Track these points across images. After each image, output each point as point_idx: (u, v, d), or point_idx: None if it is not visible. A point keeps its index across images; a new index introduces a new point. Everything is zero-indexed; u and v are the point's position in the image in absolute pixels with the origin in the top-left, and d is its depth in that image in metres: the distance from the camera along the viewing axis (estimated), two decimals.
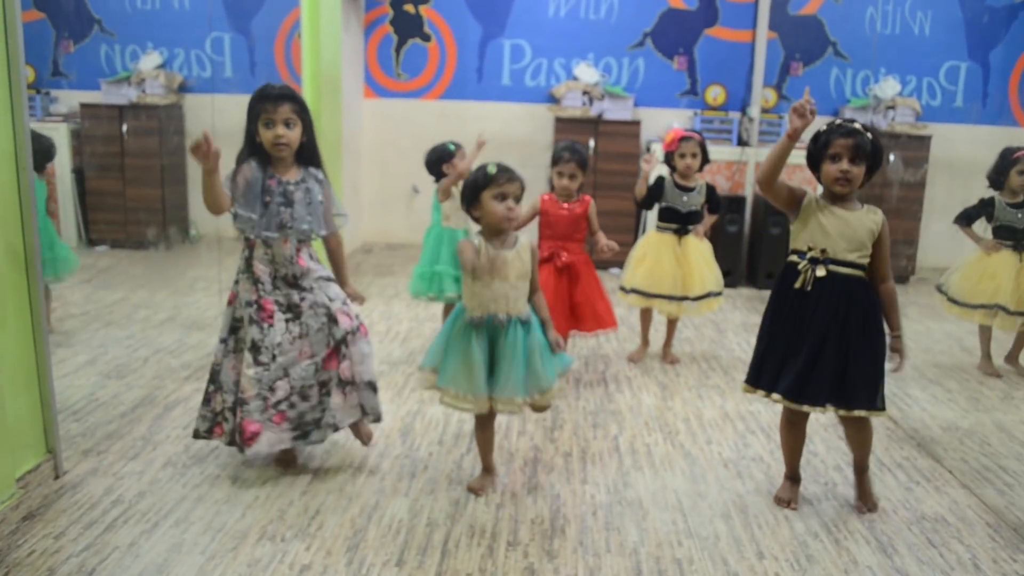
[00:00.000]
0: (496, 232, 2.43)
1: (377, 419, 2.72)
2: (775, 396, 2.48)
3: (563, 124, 6.11)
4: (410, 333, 4.30)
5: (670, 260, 3.88)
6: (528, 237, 2.51)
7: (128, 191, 6.33)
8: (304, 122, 2.57)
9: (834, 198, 2.43)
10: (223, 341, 2.65)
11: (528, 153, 6.44)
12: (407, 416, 3.19)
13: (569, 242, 3.50)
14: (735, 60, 6.35)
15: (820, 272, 2.40)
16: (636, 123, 6.10)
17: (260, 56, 6.55)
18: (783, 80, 6.38)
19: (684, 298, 3.88)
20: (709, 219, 4.02)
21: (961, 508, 2.62)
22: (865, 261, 2.42)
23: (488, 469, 2.62)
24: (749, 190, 6.02)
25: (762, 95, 6.18)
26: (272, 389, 2.55)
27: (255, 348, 2.58)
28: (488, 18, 6.39)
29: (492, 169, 2.39)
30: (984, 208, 3.97)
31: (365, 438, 2.82)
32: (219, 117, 6.00)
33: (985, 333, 4.09)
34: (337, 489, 2.57)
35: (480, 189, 2.40)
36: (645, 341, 4.09)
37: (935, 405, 3.58)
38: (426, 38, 6.44)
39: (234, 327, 2.63)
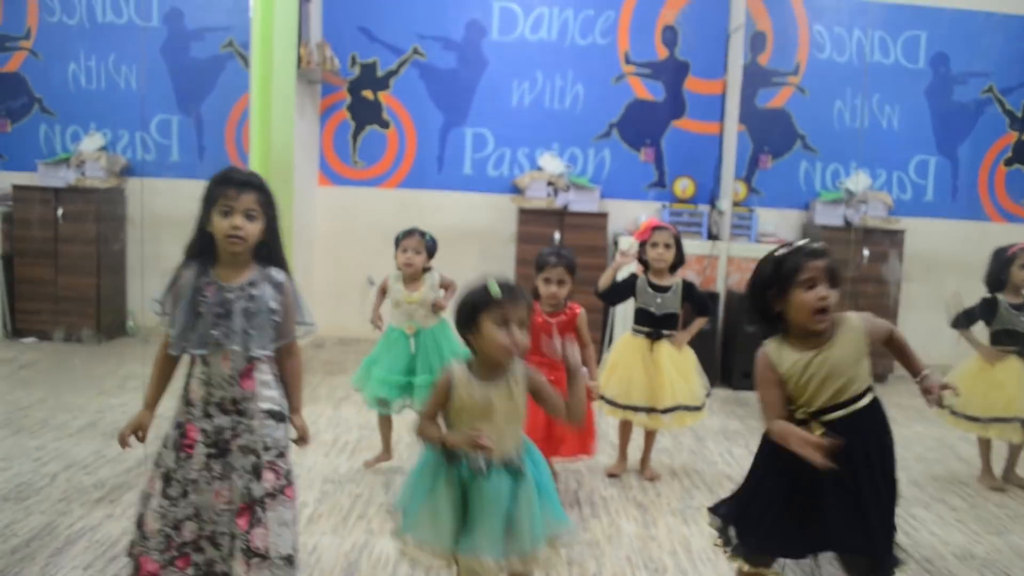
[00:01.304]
0: (492, 364, 2.00)
1: None
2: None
3: (527, 215, 5.84)
4: (359, 444, 3.86)
5: (639, 368, 3.53)
6: (523, 364, 2.05)
7: (60, 279, 5.87)
8: (268, 217, 2.16)
9: (804, 337, 2.05)
10: (156, 464, 2.20)
11: (489, 244, 6.16)
12: (352, 551, 2.74)
13: (551, 359, 3.00)
14: (703, 152, 6.20)
15: (817, 432, 2.01)
16: (603, 215, 5.86)
17: (209, 140, 6.23)
18: (752, 173, 6.23)
19: (653, 410, 3.52)
20: (697, 323, 3.63)
21: None
22: (865, 386, 2.05)
23: None
24: (721, 285, 5.77)
25: (732, 188, 6.00)
26: (177, 528, 2.12)
27: (166, 478, 2.15)
28: (449, 106, 6.18)
29: (495, 289, 1.95)
30: (987, 310, 3.69)
31: None
32: (163, 201, 5.64)
33: (985, 444, 3.79)
34: None
35: (479, 311, 1.97)
36: (623, 454, 3.70)
37: (943, 528, 3.23)
38: (385, 125, 6.19)
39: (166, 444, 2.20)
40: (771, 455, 2.09)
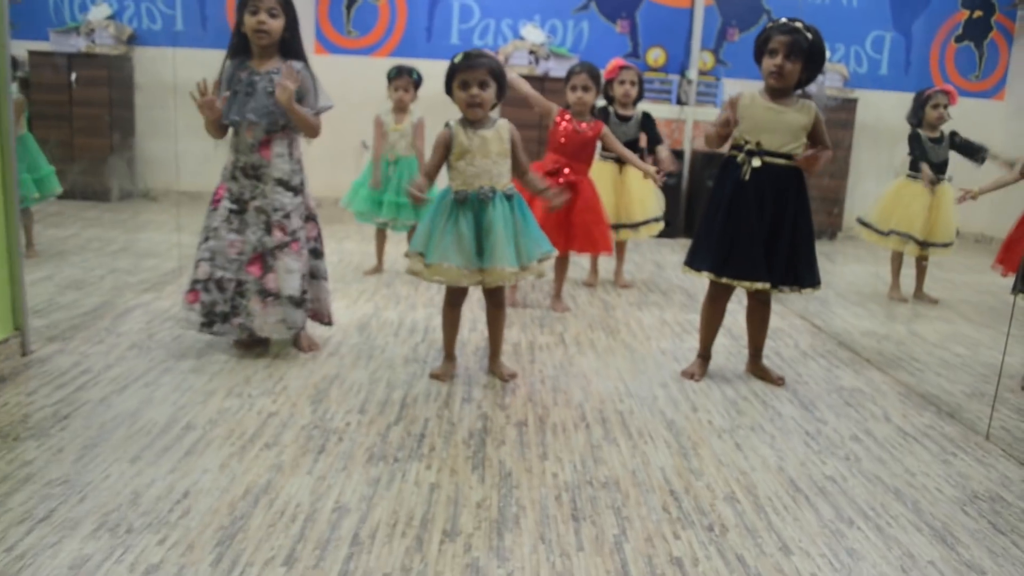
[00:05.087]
0: (471, 118, 2.51)
1: (293, 329, 2.75)
2: (704, 273, 2.70)
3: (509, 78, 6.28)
4: (362, 262, 4.44)
5: (608, 189, 4.08)
6: (506, 120, 2.56)
7: (76, 141, 6.31)
8: (288, 16, 2.67)
9: (772, 94, 2.63)
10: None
11: None
12: (363, 317, 3.34)
13: (576, 162, 3.57)
14: (675, 25, 6.61)
15: (756, 163, 2.61)
16: None
17: (211, 10, 6.59)
18: (720, 45, 6.67)
19: (620, 225, 4.10)
20: (666, 157, 4.03)
21: (875, 383, 2.89)
22: (799, 151, 2.63)
23: (450, 356, 2.72)
24: (687, 146, 6.29)
25: (700, 58, 6.45)
26: (196, 266, 2.71)
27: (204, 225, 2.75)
28: None
29: (457, 58, 2.50)
30: (914, 144, 4.28)
31: (305, 347, 2.86)
32: (169, 70, 6.03)
33: (896, 262, 4.41)
34: (299, 364, 2.71)
35: (450, 79, 2.50)
36: (594, 268, 4.30)
37: (857, 318, 3.87)
38: None
39: None
40: (714, 195, 2.71)
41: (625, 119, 4.08)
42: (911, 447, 2.32)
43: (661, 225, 4.23)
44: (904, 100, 6.80)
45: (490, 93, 2.48)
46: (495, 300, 2.68)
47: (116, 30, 6.39)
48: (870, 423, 2.48)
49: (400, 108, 4.09)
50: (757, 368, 2.86)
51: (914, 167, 4.27)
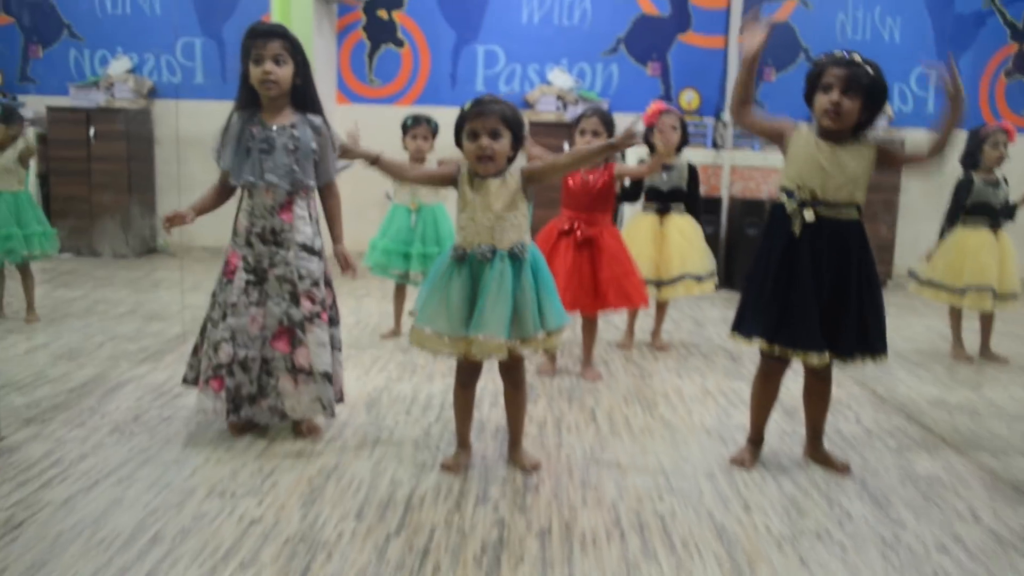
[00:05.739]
0: (479, 170, 2.21)
1: (331, 414, 2.50)
2: (756, 340, 2.35)
3: (536, 128, 6.01)
4: (379, 324, 4.15)
5: (649, 243, 3.77)
6: (519, 163, 2.27)
7: (94, 196, 6.16)
8: (297, 62, 2.42)
9: (826, 134, 2.29)
10: (213, 295, 2.50)
11: None
12: (373, 391, 3.04)
13: (592, 213, 3.26)
14: (708, 65, 6.35)
15: (809, 216, 2.27)
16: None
17: (232, 62, 6.45)
18: (756, 85, 6.37)
19: (660, 282, 3.78)
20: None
21: (955, 468, 2.50)
22: (860, 199, 2.29)
23: (464, 444, 2.38)
24: (725, 192, 5.97)
25: None
26: (216, 349, 2.40)
27: (212, 301, 2.45)
28: (461, 24, 6.36)
29: (467, 105, 2.19)
30: (963, 191, 3.92)
31: (307, 432, 2.55)
32: (187, 123, 5.87)
33: (955, 317, 4.02)
34: (295, 453, 2.41)
35: (459, 129, 2.21)
36: (630, 329, 3.96)
37: (922, 384, 3.48)
38: (399, 43, 6.39)
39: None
40: (764, 249, 2.35)
41: (666, 168, 3.78)
42: (1010, 558, 1.94)
43: (706, 286, 3.84)
44: (954, 139, 6.46)
45: (503, 144, 2.18)
46: (511, 378, 2.35)
47: (136, 84, 6.28)
48: (957, 525, 2.11)
49: (418, 158, 3.83)
50: (818, 453, 2.49)
51: (974, 212, 3.89)
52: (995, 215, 3.88)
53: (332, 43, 6.35)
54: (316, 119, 2.48)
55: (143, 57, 6.48)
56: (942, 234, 3.99)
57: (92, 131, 6.11)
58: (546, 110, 6.11)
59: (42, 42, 6.53)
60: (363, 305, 4.66)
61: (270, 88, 2.38)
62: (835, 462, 2.45)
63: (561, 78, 6.23)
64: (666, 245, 3.77)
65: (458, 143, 2.24)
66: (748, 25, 2.23)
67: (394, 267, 3.80)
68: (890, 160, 2.32)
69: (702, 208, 4.06)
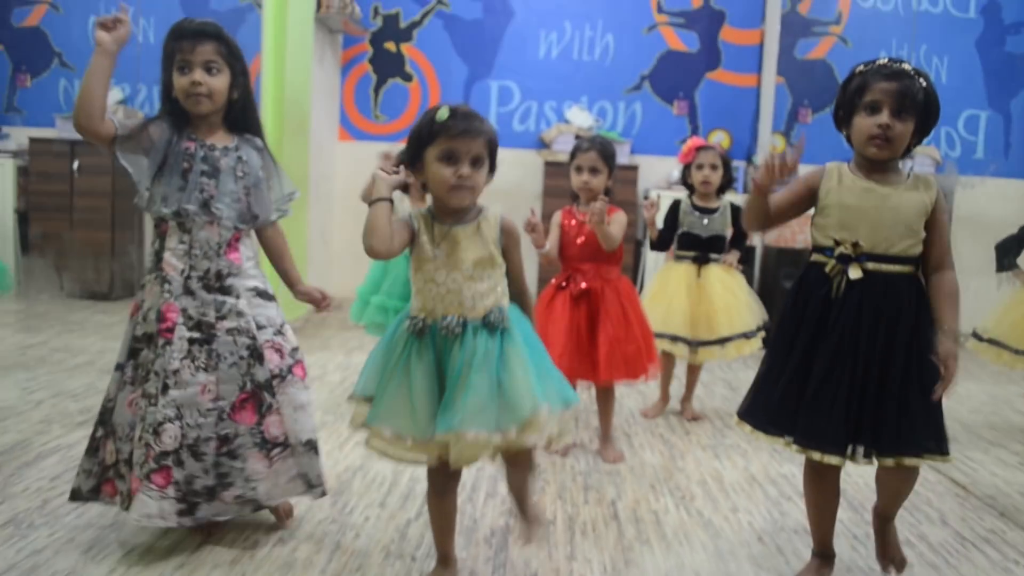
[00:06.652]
0: (447, 209, 1.68)
1: (323, 492, 2.02)
2: (761, 435, 1.81)
3: (553, 169, 5.57)
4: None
5: (682, 295, 3.23)
6: (498, 209, 1.73)
7: (76, 233, 5.73)
8: (234, 71, 1.93)
9: (870, 167, 1.78)
10: (119, 368, 1.95)
11: (515, 200, 5.86)
12: (344, 473, 2.50)
13: (595, 263, 2.73)
14: (739, 105, 5.88)
15: (854, 273, 1.74)
16: (633, 168, 5.57)
17: None
18: (791, 127, 5.89)
19: (701, 343, 3.23)
20: (734, 253, 3.33)
21: None
22: (916, 251, 1.76)
23: (446, 560, 1.82)
24: (758, 241, 5.45)
25: (770, 142, 5.68)
26: (156, 432, 1.84)
27: (136, 379, 1.92)
28: (474, 58, 5.94)
29: (443, 114, 1.62)
30: (1016, 246, 3.42)
31: (284, 516, 2.09)
32: None
33: None
34: (227, 562, 1.86)
35: (424, 144, 1.64)
36: (664, 394, 3.41)
37: (1007, 470, 2.90)
38: (407, 78, 5.97)
39: (134, 349, 1.94)
40: (792, 319, 1.82)
41: (708, 211, 3.26)
42: None
43: (758, 341, 3.26)
44: (1005, 187, 5.94)
45: (483, 176, 1.66)
46: (516, 461, 1.78)
47: (125, 115, 5.88)
48: None
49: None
50: (881, 538, 1.94)
51: None
52: None
53: (336, 76, 5.94)
54: (257, 140, 2.00)
55: (136, 88, 6.10)
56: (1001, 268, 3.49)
57: (76, 164, 5.70)
58: (563, 150, 5.62)
59: (31, 71, 6.16)
60: (352, 359, 4.14)
61: (199, 102, 1.88)
62: (895, 552, 1.92)
63: (580, 116, 5.78)
64: (706, 300, 3.21)
65: (413, 161, 1.67)
66: (768, 163, 1.73)
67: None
68: (931, 234, 1.77)
69: (746, 253, 3.55)
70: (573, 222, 2.78)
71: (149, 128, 1.90)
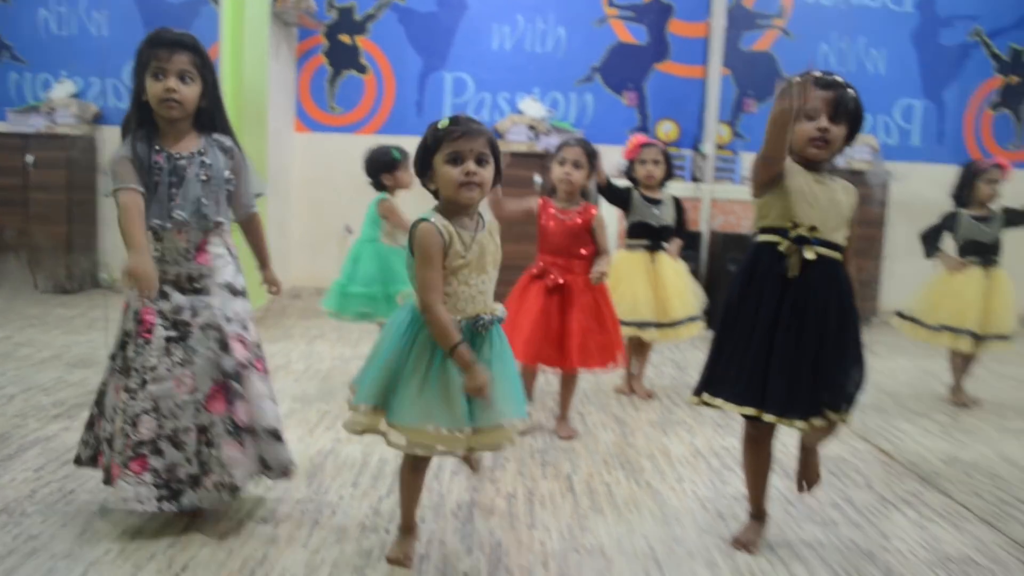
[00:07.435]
0: (457, 209, 1.81)
1: (285, 474, 2.14)
2: (731, 405, 2.01)
3: (507, 158, 5.71)
4: (331, 372, 3.76)
5: (643, 282, 3.45)
6: (489, 215, 1.91)
7: (31, 227, 5.72)
8: (206, 80, 2.05)
9: (806, 167, 1.98)
10: (112, 358, 2.11)
11: None
12: (317, 456, 2.64)
13: (569, 258, 2.90)
14: (687, 96, 6.09)
15: (809, 254, 1.94)
16: None
17: None
18: (737, 117, 6.13)
19: (662, 324, 3.45)
20: (677, 242, 3.58)
21: (988, 547, 2.17)
22: (844, 241, 2.02)
23: (408, 527, 1.97)
24: (705, 227, 5.68)
25: (716, 131, 5.90)
26: (134, 424, 1.97)
27: (126, 369, 2.05)
28: (428, 50, 6.05)
29: (443, 123, 1.79)
30: (947, 223, 3.73)
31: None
32: None
33: (957, 360, 3.74)
34: (215, 540, 2.01)
35: (431, 152, 1.80)
36: (631, 372, 3.64)
37: (929, 438, 3.16)
38: (362, 70, 6.06)
39: (124, 341, 2.08)
40: (741, 296, 2.03)
41: (655, 202, 3.48)
42: None
43: (701, 325, 3.56)
44: (939, 172, 6.22)
45: (489, 173, 1.81)
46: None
47: (79, 109, 5.87)
48: None
49: (400, 223, 3.49)
50: (803, 462, 2.21)
51: (964, 250, 3.67)
52: (986, 252, 3.66)
53: (291, 68, 6.00)
54: (225, 140, 2.12)
55: (88, 81, 6.09)
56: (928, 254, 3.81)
57: (31, 158, 5.69)
58: (517, 140, 5.79)
59: None
60: (315, 348, 4.26)
61: (172, 108, 2.00)
62: (812, 474, 2.20)
63: (533, 107, 5.92)
64: (661, 286, 3.45)
65: (423, 170, 1.84)
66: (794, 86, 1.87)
67: (378, 312, 3.41)
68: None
69: (688, 243, 3.78)
70: (551, 212, 2.93)
71: (135, 157, 2.00)
